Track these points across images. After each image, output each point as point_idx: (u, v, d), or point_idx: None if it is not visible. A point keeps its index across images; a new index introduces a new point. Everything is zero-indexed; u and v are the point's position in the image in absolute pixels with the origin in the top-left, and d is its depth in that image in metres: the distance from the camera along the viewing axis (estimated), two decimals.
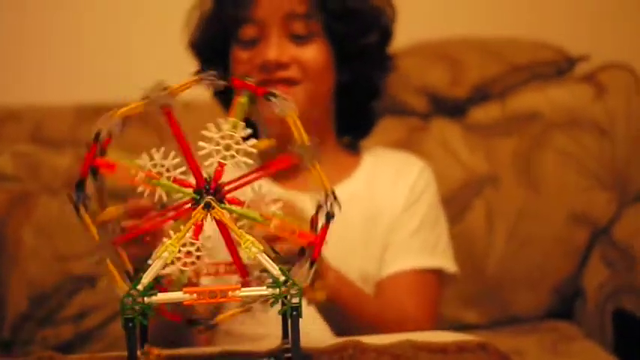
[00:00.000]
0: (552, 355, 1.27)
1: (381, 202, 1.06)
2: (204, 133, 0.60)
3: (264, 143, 0.63)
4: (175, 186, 0.62)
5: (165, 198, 0.63)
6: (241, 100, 0.62)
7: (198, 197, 0.61)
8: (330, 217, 0.62)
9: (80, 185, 0.61)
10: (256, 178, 0.63)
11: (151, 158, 0.62)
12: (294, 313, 0.61)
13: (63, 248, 1.27)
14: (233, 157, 0.60)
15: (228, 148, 0.60)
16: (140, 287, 0.59)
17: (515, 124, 1.41)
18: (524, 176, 1.40)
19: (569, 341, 1.32)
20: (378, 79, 1.08)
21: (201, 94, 0.89)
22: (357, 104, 1.08)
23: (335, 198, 0.62)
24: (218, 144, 0.60)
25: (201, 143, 0.60)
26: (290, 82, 0.99)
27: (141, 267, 0.62)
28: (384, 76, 1.09)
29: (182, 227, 0.60)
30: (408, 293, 1.02)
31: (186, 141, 0.62)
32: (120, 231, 0.65)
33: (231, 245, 0.64)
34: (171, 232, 0.61)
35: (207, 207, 0.60)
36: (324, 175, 0.61)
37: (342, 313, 0.91)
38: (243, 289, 0.60)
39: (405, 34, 1.17)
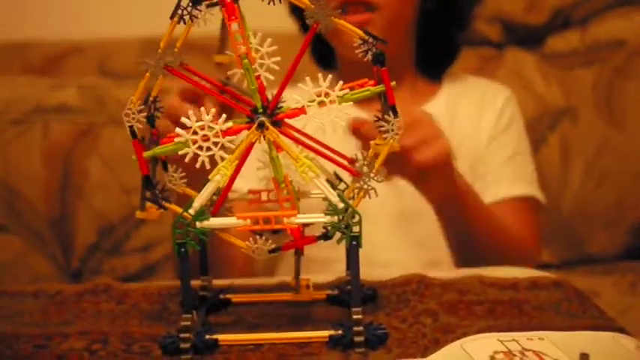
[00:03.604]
0: (630, 297, 1.22)
1: (465, 127, 1.03)
2: None
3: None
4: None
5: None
6: None
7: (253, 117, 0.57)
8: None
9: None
10: None
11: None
12: (354, 242, 0.58)
13: (128, 180, 1.28)
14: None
15: None
16: (192, 212, 0.56)
17: (597, 52, 1.35)
18: (605, 109, 1.33)
19: None
20: (465, 7, 1.03)
21: None
22: (441, 34, 1.03)
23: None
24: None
25: None
26: (369, 7, 0.94)
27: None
28: (471, 3, 1.03)
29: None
30: (511, 220, 0.99)
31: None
32: None
33: None
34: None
35: (261, 127, 0.57)
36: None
37: (459, 213, 0.89)
38: (299, 215, 0.57)
39: None
